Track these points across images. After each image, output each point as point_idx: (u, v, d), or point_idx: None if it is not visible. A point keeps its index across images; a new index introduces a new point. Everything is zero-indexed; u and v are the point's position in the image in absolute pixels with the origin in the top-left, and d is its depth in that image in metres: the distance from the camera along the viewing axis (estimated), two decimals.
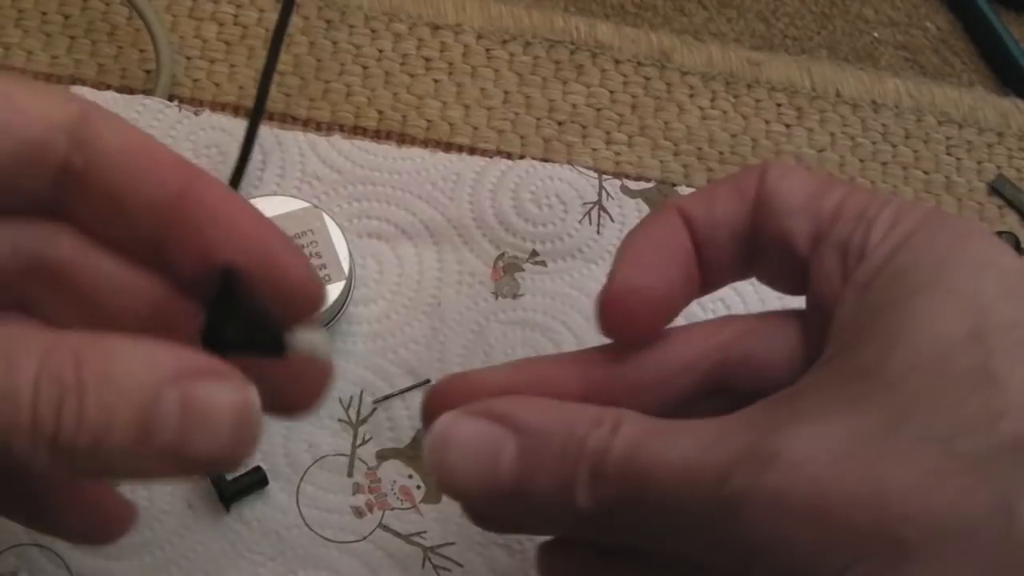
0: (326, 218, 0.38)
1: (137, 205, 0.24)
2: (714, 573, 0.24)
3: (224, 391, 0.21)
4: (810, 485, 0.21)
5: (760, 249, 0.27)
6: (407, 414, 0.39)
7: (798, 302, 0.28)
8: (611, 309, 0.27)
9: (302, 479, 0.37)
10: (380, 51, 0.46)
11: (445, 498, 0.38)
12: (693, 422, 0.24)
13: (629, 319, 0.27)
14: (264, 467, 0.37)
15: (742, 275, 0.29)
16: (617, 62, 0.47)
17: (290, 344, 0.23)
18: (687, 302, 0.28)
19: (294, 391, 0.26)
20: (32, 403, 0.20)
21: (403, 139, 0.44)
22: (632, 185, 0.44)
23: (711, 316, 0.42)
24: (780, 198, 0.27)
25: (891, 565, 0.20)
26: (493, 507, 0.26)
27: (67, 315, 0.26)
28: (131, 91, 0.43)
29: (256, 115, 0.41)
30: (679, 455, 0.23)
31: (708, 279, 0.28)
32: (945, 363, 0.22)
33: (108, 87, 0.43)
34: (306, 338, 0.23)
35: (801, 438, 0.22)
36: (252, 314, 0.23)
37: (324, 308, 0.24)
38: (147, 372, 0.21)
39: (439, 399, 0.28)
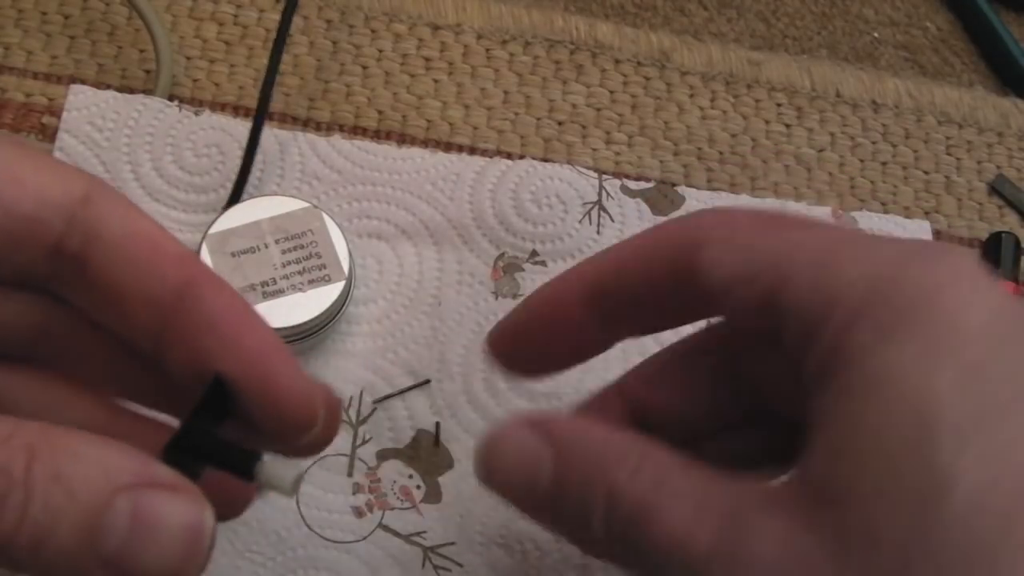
0: (326, 218, 0.38)
1: (134, 298, 0.23)
2: None
3: (178, 507, 0.20)
4: None
5: (684, 309, 0.27)
6: (407, 414, 0.39)
7: None
8: (493, 346, 0.30)
9: (302, 479, 0.37)
10: (380, 51, 0.46)
11: (445, 498, 0.38)
12: (696, 475, 0.24)
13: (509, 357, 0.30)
14: None
15: (650, 331, 0.30)
16: (617, 62, 0.47)
17: (258, 473, 0.22)
18: (580, 356, 0.30)
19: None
20: None
21: (403, 139, 0.44)
22: (632, 185, 0.44)
23: None
24: (712, 266, 0.25)
25: None
26: (533, 511, 0.26)
27: (40, 389, 0.25)
28: (131, 91, 0.43)
29: (258, 120, 0.41)
30: (670, 523, 0.23)
31: (610, 334, 0.29)
32: (889, 480, 0.20)
33: (108, 87, 0.43)
34: (275, 475, 0.22)
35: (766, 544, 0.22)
36: (231, 430, 0.23)
37: (315, 430, 0.25)
38: (101, 477, 0.20)
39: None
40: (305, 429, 0.24)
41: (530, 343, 0.29)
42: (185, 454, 0.22)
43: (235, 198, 0.40)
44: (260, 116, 0.41)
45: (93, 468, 0.20)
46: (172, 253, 0.24)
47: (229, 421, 0.23)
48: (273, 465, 0.22)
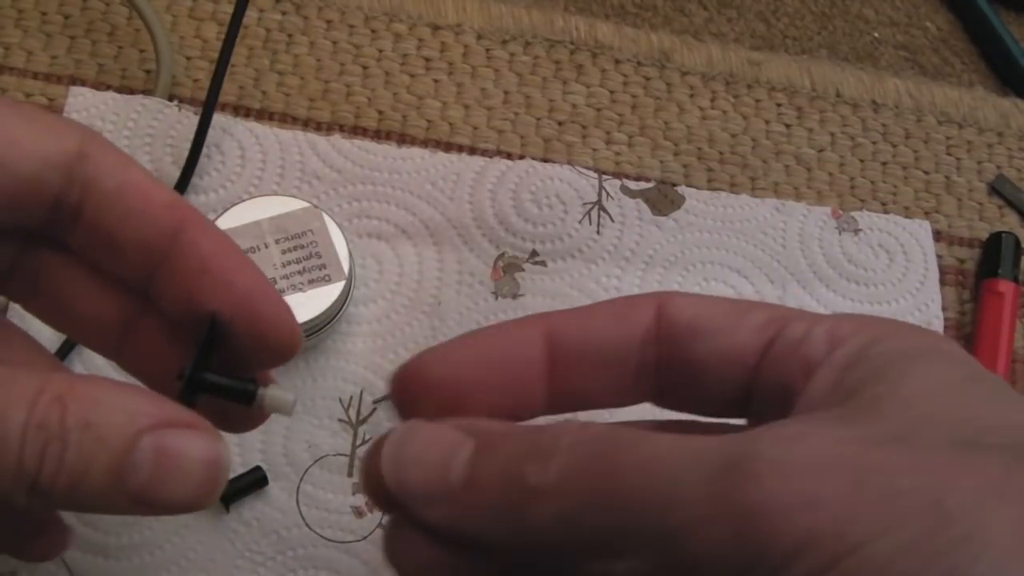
0: (326, 218, 0.38)
1: (128, 243, 0.25)
2: None
3: (197, 443, 0.22)
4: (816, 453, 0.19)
5: (676, 373, 0.26)
6: None
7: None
8: (398, 382, 0.25)
9: (302, 479, 0.37)
10: (380, 51, 0.46)
11: None
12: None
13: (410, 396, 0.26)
14: (264, 467, 0.37)
15: (630, 401, 0.27)
16: (617, 62, 0.47)
17: (260, 399, 0.25)
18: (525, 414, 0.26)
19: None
20: (19, 448, 0.21)
21: (403, 139, 0.44)
22: (632, 185, 0.44)
23: None
24: (703, 321, 0.25)
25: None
26: (445, 505, 0.23)
27: (40, 313, 0.28)
28: (131, 91, 0.43)
29: (208, 111, 0.41)
30: (656, 442, 0.21)
31: (565, 398, 0.26)
32: (943, 394, 0.21)
33: (108, 87, 0.43)
34: (276, 397, 0.25)
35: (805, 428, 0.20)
36: (231, 363, 0.25)
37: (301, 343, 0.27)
38: (126, 421, 0.22)
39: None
40: (290, 355, 0.26)
41: (462, 388, 0.25)
42: (196, 386, 0.24)
43: (182, 186, 0.40)
44: (209, 107, 0.41)
45: (117, 413, 0.22)
46: (163, 200, 0.25)
47: (215, 351, 0.25)
48: (274, 391, 0.25)
